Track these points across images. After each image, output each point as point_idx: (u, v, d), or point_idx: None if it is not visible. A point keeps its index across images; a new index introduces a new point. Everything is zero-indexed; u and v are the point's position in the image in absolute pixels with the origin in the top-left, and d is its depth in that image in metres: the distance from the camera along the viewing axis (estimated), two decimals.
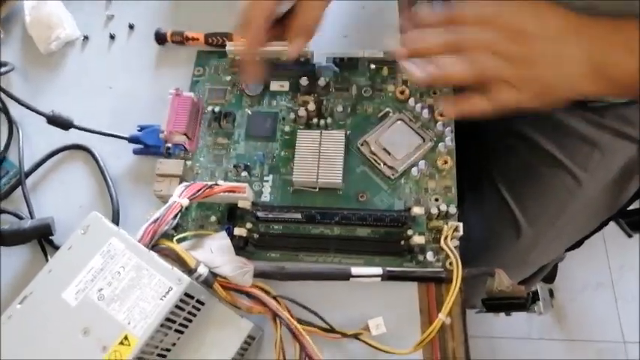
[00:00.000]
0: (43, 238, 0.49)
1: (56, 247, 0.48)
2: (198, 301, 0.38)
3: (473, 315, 1.14)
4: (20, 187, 0.51)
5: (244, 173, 0.49)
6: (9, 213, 0.51)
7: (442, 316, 0.41)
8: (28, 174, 0.52)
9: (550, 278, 1.14)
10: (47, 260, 0.48)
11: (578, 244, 0.72)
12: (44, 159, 0.53)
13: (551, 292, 0.85)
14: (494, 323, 1.16)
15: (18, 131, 0.54)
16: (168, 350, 0.38)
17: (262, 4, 0.44)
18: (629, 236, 0.73)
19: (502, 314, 0.85)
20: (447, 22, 0.43)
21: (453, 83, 0.45)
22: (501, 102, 0.42)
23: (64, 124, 0.51)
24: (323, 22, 0.46)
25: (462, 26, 0.43)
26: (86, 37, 0.60)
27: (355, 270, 0.43)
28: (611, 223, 0.74)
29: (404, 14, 0.45)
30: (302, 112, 0.50)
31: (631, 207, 0.70)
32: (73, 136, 0.53)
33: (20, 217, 0.50)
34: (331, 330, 0.42)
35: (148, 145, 0.51)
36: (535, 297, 0.50)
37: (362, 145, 0.49)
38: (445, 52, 0.42)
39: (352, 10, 0.58)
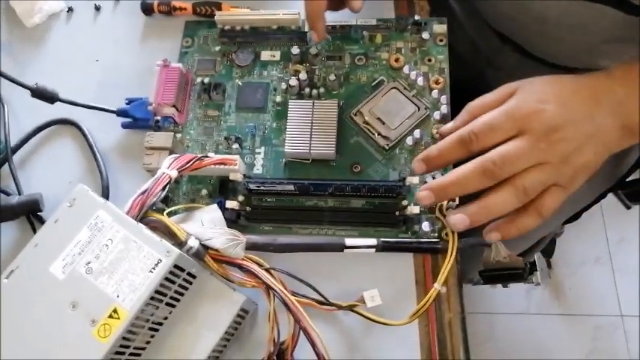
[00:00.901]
0: (31, 215, 0.48)
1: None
2: (189, 274, 0.38)
3: (472, 291, 1.14)
4: (7, 163, 0.50)
5: (235, 145, 0.48)
6: None
7: (437, 286, 0.40)
8: (15, 150, 0.51)
9: (549, 253, 1.14)
10: None
11: (576, 216, 0.71)
12: (31, 134, 0.52)
13: (549, 263, 0.85)
14: (493, 299, 1.16)
15: (3, 106, 0.52)
16: (160, 324, 0.38)
17: None
18: (628, 208, 0.72)
19: (499, 287, 0.85)
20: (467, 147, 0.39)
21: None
22: (553, 207, 0.39)
23: (49, 97, 0.50)
24: None
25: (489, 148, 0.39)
26: (71, 9, 0.58)
27: (349, 241, 0.42)
28: (610, 197, 0.73)
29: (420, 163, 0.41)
30: (293, 81, 0.48)
31: (630, 178, 0.70)
32: (59, 110, 0.51)
33: (8, 194, 0.49)
34: (326, 302, 0.41)
35: (137, 118, 0.50)
36: (533, 268, 0.49)
37: (355, 114, 0.48)
38: (484, 185, 0.38)
39: None
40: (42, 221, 0.48)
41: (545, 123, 0.38)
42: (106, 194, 0.48)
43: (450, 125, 0.43)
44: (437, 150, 0.40)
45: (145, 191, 0.38)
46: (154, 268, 0.35)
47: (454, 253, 0.40)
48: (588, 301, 1.17)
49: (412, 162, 0.42)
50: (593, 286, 1.19)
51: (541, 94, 0.39)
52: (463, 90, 0.52)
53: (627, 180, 0.69)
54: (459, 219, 0.39)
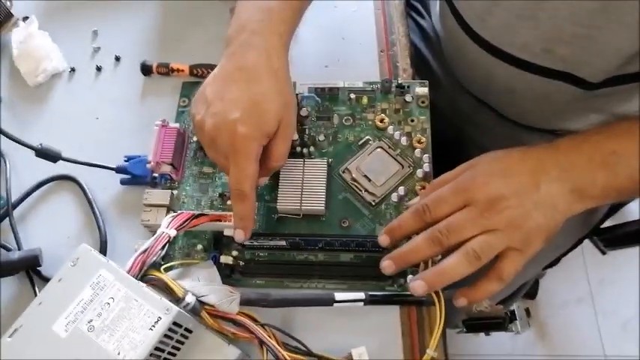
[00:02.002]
0: (30, 270, 0.50)
1: (44, 278, 0.49)
2: (186, 329, 0.39)
3: (458, 335, 1.15)
4: (7, 218, 0.52)
5: (230, 202, 0.50)
6: None
7: (430, 352, 0.43)
8: (15, 205, 0.53)
9: (532, 295, 1.16)
10: (35, 291, 0.49)
11: (555, 261, 0.74)
12: (32, 190, 0.54)
13: (527, 312, 0.87)
14: (479, 342, 1.17)
15: (5, 163, 0.55)
16: None
17: (249, 174, 0.42)
18: (603, 253, 0.75)
19: (482, 334, 0.87)
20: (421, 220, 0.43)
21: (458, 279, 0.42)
22: (512, 270, 0.42)
23: (52, 156, 0.52)
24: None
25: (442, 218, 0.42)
26: (73, 69, 0.61)
27: (339, 295, 0.44)
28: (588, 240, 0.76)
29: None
30: None
31: (604, 225, 0.73)
32: (60, 167, 0.53)
33: (8, 249, 0.51)
34: (317, 357, 0.43)
35: (135, 175, 0.52)
36: (513, 316, 0.51)
37: (343, 172, 0.51)
38: (435, 252, 0.42)
39: (332, 41, 0.60)
40: (41, 276, 0.49)
41: (488, 194, 0.42)
42: (104, 249, 0.50)
43: (416, 199, 0.48)
44: (397, 222, 0.45)
45: (146, 250, 0.40)
46: (153, 326, 0.36)
47: (442, 320, 0.43)
48: (572, 342, 1.19)
49: (378, 236, 0.45)
50: (576, 326, 1.20)
51: (487, 168, 0.44)
52: (445, 146, 0.56)
53: (601, 227, 0.72)
54: (417, 285, 0.41)
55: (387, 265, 0.43)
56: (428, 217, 0.43)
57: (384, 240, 0.45)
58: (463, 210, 0.42)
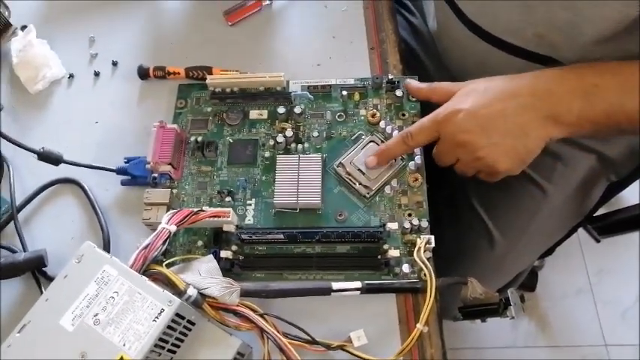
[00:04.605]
0: (36, 270, 0.51)
1: (50, 279, 0.50)
2: (188, 321, 0.40)
3: (459, 327, 1.16)
4: (12, 221, 0.53)
5: (228, 198, 0.52)
6: (2, 247, 0.52)
7: (420, 326, 0.44)
8: (19, 209, 0.54)
9: (531, 287, 1.18)
10: (41, 291, 0.50)
11: (550, 250, 0.75)
12: (35, 193, 0.55)
13: (522, 297, 0.89)
14: (481, 334, 1.18)
15: (9, 168, 0.56)
16: None
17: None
18: (597, 241, 0.76)
19: (479, 322, 0.88)
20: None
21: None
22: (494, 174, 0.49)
23: (54, 159, 0.53)
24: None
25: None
26: (72, 75, 0.63)
27: (336, 285, 0.45)
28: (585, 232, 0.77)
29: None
30: (280, 138, 0.53)
31: (597, 213, 0.74)
32: (61, 170, 0.55)
33: (14, 251, 0.52)
34: (316, 343, 0.44)
35: (135, 175, 0.54)
36: (507, 303, 0.52)
37: (338, 166, 0.52)
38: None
39: (324, 39, 0.62)
40: (46, 276, 0.51)
41: (454, 132, 0.47)
42: (107, 248, 0.51)
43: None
44: (385, 146, 0.51)
45: (147, 246, 0.42)
46: (157, 317, 0.38)
47: (432, 295, 0.44)
48: (573, 332, 1.20)
49: (366, 159, 0.51)
50: (576, 317, 1.22)
51: (463, 98, 0.48)
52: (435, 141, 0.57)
53: (594, 215, 0.73)
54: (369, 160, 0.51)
55: (370, 160, 0.50)
56: (411, 142, 0.49)
57: (371, 161, 0.50)
58: (439, 142, 0.49)
